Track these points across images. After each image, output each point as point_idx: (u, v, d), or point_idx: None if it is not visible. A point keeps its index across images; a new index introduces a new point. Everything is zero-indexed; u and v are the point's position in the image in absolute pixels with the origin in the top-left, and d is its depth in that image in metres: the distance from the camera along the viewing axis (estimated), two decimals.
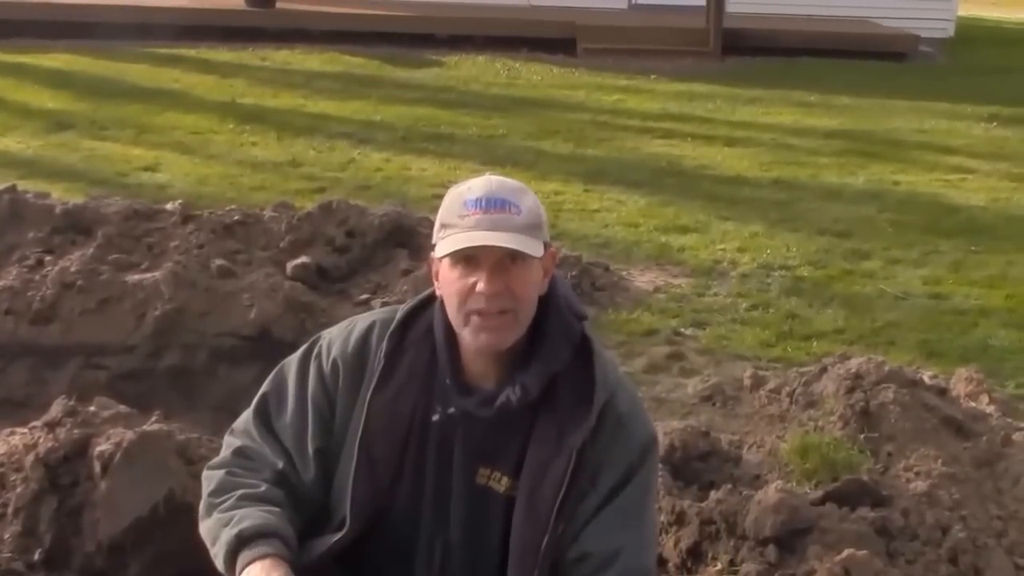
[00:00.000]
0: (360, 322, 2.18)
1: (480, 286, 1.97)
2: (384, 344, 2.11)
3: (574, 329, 2.10)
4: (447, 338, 2.08)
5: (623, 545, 2.03)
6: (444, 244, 2.00)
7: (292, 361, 2.20)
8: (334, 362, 2.13)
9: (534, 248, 1.99)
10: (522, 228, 1.98)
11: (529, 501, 2.03)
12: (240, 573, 1.98)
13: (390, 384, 2.08)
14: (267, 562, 1.97)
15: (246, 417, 2.20)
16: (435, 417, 2.07)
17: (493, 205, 1.98)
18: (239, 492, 2.07)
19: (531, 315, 2.05)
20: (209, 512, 2.09)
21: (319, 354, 2.16)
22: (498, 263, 1.97)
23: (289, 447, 2.13)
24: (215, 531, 2.05)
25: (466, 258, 1.98)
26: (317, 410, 2.12)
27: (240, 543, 1.99)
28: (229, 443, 2.19)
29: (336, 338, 2.16)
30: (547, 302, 2.08)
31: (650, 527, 2.17)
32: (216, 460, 2.19)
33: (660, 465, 3.31)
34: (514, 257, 1.98)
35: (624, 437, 2.07)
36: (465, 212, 1.98)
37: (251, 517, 2.02)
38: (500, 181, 2.04)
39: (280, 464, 2.12)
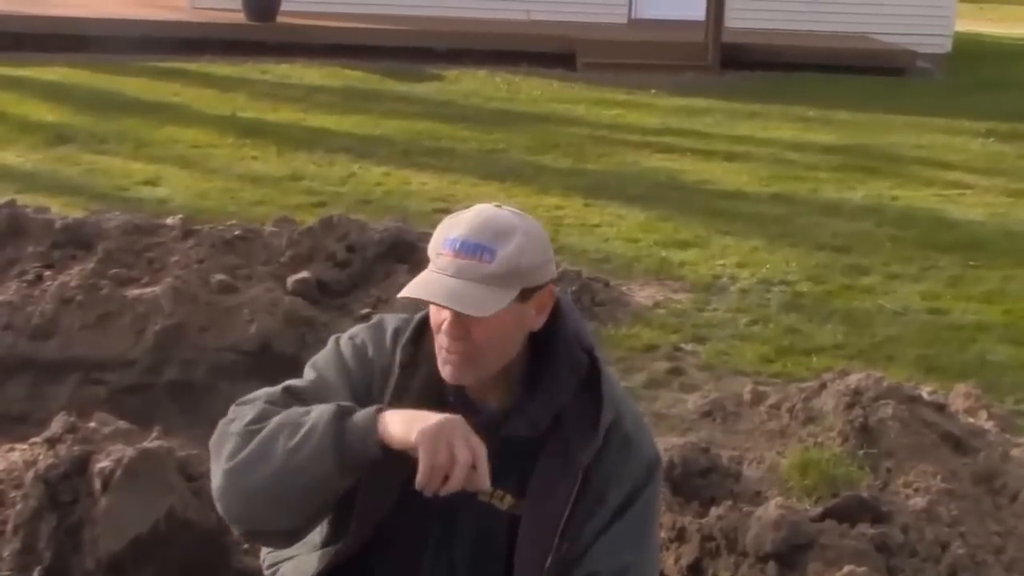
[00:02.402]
0: (388, 325, 2.15)
1: (443, 326, 1.97)
2: (399, 355, 2.09)
3: (582, 363, 2.07)
4: None
5: (629, 564, 2.03)
6: (410, 284, 1.97)
7: (325, 355, 2.13)
8: (371, 362, 2.10)
9: (491, 302, 1.92)
10: (488, 279, 1.92)
11: (534, 520, 2.03)
12: (393, 426, 1.87)
13: (404, 398, 2.06)
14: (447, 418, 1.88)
15: (270, 391, 2.08)
16: None
17: (466, 251, 1.93)
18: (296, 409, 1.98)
19: (502, 357, 2.01)
20: (249, 436, 1.96)
21: (357, 348, 2.11)
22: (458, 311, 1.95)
23: None
24: (281, 429, 1.92)
25: None
26: (366, 397, 2.05)
27: (344, 411, 1.91)
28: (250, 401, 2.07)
29: (369, 340, 2.12)
30: (555, 334, 2.06)
31: (655, 546, 2.18)
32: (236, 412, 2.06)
33: (662, 484, 3.32)
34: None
35: (630, 456, 2.07)
36: (442, 251, 1.95)
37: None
38: (489, 219, 1.97)
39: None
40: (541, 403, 2.04)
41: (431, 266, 1.97)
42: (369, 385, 2.09)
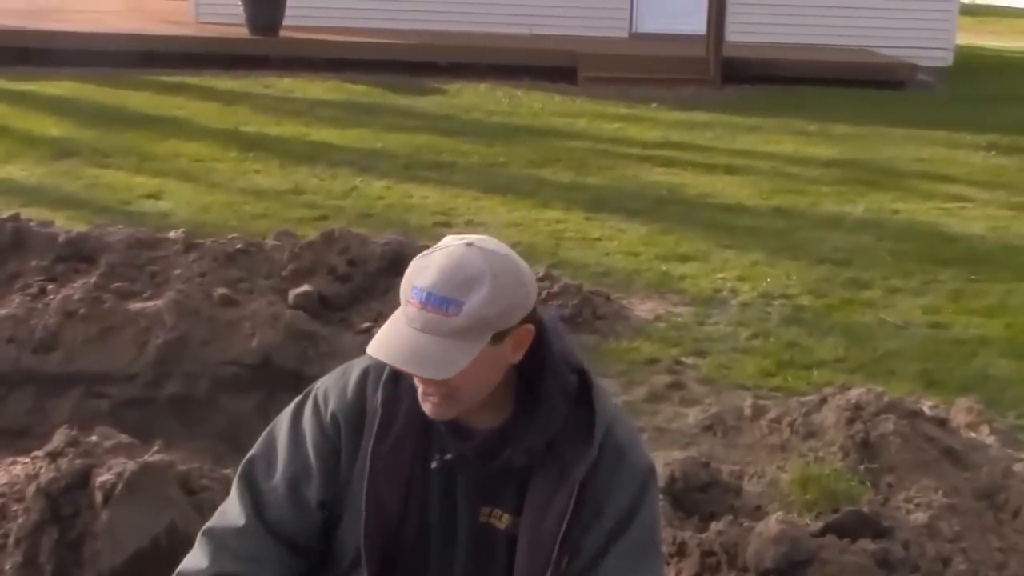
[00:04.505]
0: (354, 370, 2.16)
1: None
2: (379, 394, 2.09)
3: (572, 384, 2.07)
4: None
5: None
6: (374, 339, 1.96)
7: (283, 419, 2.19)
8: (333, 415, 2.11)
9: (455, 360, 1.90)
10: (455, 332, 1.90)
11: (531, 537, 2.03)
12: None
13: (389, 434, 2.08)
14: None
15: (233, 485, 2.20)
16: (433, 464, 2.07)
17: (432, 303, 1.90)
18: None
19: (482, 392, 2.00)
20: None
21: (317, 407, 2.14)
22: None
23: (282, 503, 2.12)
24: None
25: None
26: (322, 461, 2.11)
27: None
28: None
29: (332, 389, 2.15)
30: (542, 359, 2.04)
31: (662, 556, 2.18)
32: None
33: (660, 496, 3.32)
34: None
35: (625, 467, 2.07)
36: (410, 299, 1.93)
37: None
38: (457, 267, 1.91)
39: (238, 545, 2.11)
40: (535, 430, 2.03)
41: (399, 314, 1.95)
42: (335, 437, 2.11)
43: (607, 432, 2.06)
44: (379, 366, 2.12)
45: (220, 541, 2.12)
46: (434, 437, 2.07)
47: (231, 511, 2.15)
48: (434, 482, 2.08)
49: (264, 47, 13.81)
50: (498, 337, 1.93)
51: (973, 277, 6.87)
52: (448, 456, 2.05)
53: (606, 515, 2.04)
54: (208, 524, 2.18)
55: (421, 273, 1.92)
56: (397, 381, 2.10)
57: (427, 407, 2.00)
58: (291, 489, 2.11)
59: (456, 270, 1.90)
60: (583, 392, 2.07)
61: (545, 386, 2.04)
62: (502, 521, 2.07)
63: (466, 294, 1.89)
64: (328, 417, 2.12)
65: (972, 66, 16.51)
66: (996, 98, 13.85)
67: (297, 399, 2.20)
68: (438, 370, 1.90)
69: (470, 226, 7.31)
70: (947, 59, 15.65)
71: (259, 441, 2.20)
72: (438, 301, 1.89)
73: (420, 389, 2.00)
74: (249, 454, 2.19)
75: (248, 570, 2.08)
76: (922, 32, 15.37)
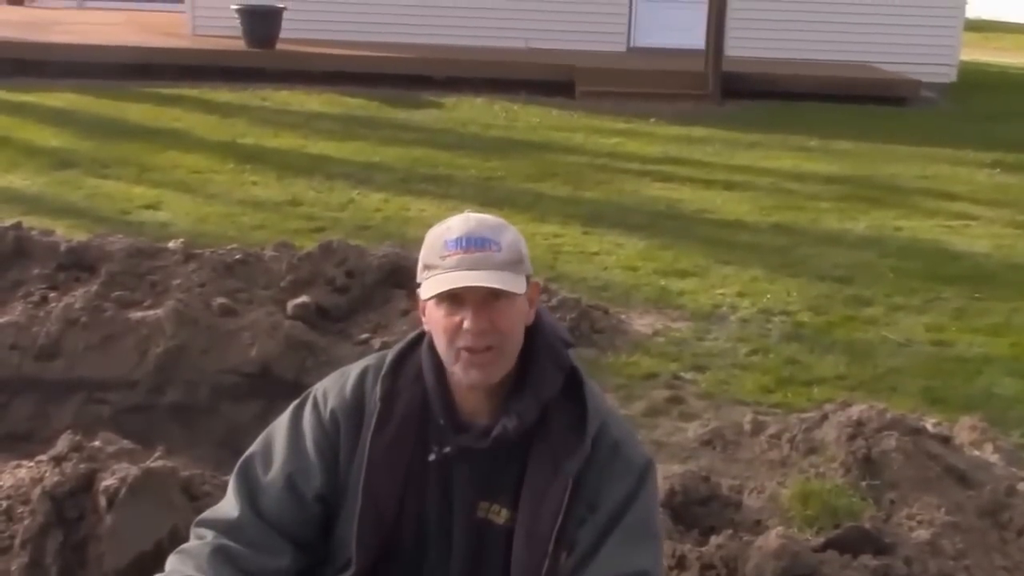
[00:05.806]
0: (352, 371, 2.19)
1: (466, 324, 1.99)
2: (378, 388, 2.12)
3: (563, 356, 2.12)
4: (437, 377, 2.10)
5: (648, 568, 2.04)
6: (428, 285, 2.02)
7: (283, 419, 2.20)
8: (332, 412, 2.13)
9: (516, 284, 2.02)
10: (503, 265, 2.00)
11: (527, 531, 2.04)
12: None
13: (387, 428, 2.10)
14: None
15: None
16: (431, 457, 2.08)
17: (473, 244, 2.00)
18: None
19: (518, 347, 2.07)
20: None
21: (316, 405, 2.16)
22: (482, 301, 2.00)
23: (279, 496, 2.12)
24: None
25: (451, 297, 2.01)
26: (321, 457, 2.12)
27: None
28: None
29: (331, 389, 2.17)
30: (534, 331, 2.11)
31: (660, 542, 2.18)
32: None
33: (660, 510, 3.31)
34: (497, 294, 2.01)
35: (620, 462, 2.09)
36: (446, 252, 2.00)
37: None
38: (479, 219, 2.06)
39: (223, 541, 2.08)
40: (528, 397, 2.06)
41: (437, 270, 2.01)
42: (334, 434, 2.13)
43: (601, 428, 2.09)
44: (378, 364, 2.17)
45: (214, 527, 2.11)
46: (432, 432, 2.09)
47: (226, 505, 2.15)
48: (432, 477, 2.09)
49: (261, 60, 13.83)
50: (526, 282, 2.05)
51: (977, 295, 6.84)
52: (447, 449, 2.05)
53: (601, 510, 2.06)
54: (201, 516, 2.17)
55: (446, 233, 2.03)
56: (396, 376, 2.13)
57: (473, 374, 2.02)
58: (288, 483, 2.12)
59: (479, 220, 2.06)
60: (574, 384, 2.11)
61: (538, 354, 2.09)
62: (500, 516, 2.08)
63: (498, 234, 2.04)
64: (328, 414, 2.14)
65: (976, 82, 16.52)
66: (1001, 115, 13.84)
67: (296, 401, 2.21)
68: (511, 286, 1.99)
69: None
70: (951, 75, 15.62)
71: (257, 440, 2.21)
72: (478, 241, 2.00)
73: (463, 351, 2.01)
74: (247, 452, 2.20)
75: (247, 554, 2.07)
76: (926, 48, 15.34)
